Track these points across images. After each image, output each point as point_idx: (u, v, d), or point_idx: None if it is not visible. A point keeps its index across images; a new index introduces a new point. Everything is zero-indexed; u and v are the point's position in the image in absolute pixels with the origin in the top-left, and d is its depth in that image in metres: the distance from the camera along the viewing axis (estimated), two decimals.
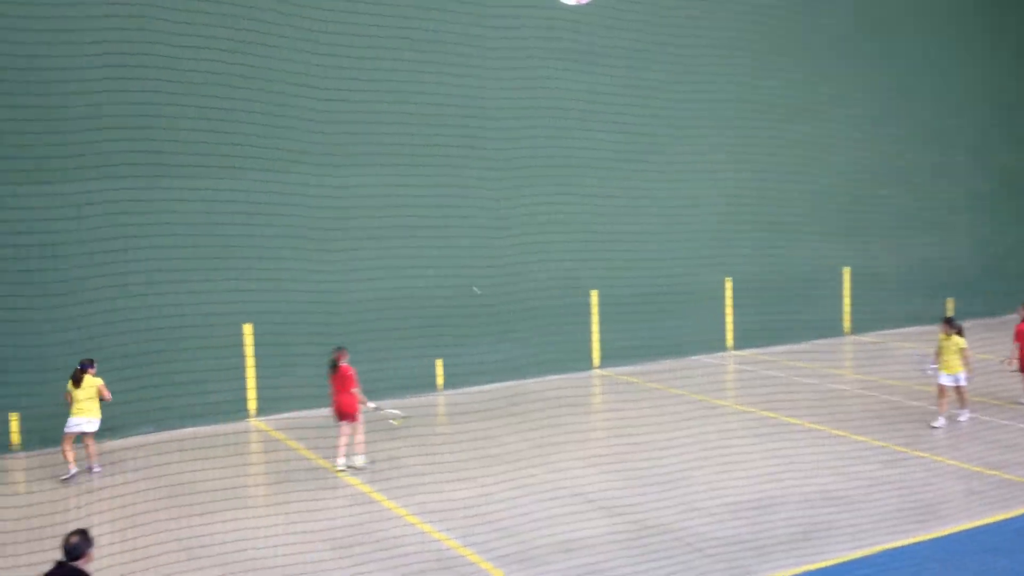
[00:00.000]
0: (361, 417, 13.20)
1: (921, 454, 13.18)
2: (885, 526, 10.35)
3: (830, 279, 23.47)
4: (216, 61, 14.21)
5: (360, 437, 13.23)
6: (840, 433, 14.39)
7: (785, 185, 22.17)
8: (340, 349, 13.28)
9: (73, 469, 12.79)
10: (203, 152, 14.83)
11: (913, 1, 24.46)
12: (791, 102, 21.93)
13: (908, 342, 22.72)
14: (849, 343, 23.23)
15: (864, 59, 23.41)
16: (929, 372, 15.26)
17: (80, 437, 13.05)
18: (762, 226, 21.86)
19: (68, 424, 12.88)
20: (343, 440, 13.03)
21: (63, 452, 12.86)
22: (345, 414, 13.05)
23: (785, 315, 21.73)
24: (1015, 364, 15.72)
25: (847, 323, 23.78)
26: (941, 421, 14.67)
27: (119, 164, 13.80)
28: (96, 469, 13.05)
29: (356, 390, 13.04)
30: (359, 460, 13.17)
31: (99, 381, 13.05)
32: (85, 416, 12.92)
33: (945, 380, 14.71)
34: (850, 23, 23.06)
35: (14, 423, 14.32)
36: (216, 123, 14.50)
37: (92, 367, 13.06)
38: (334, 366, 13.09)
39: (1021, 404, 15.89)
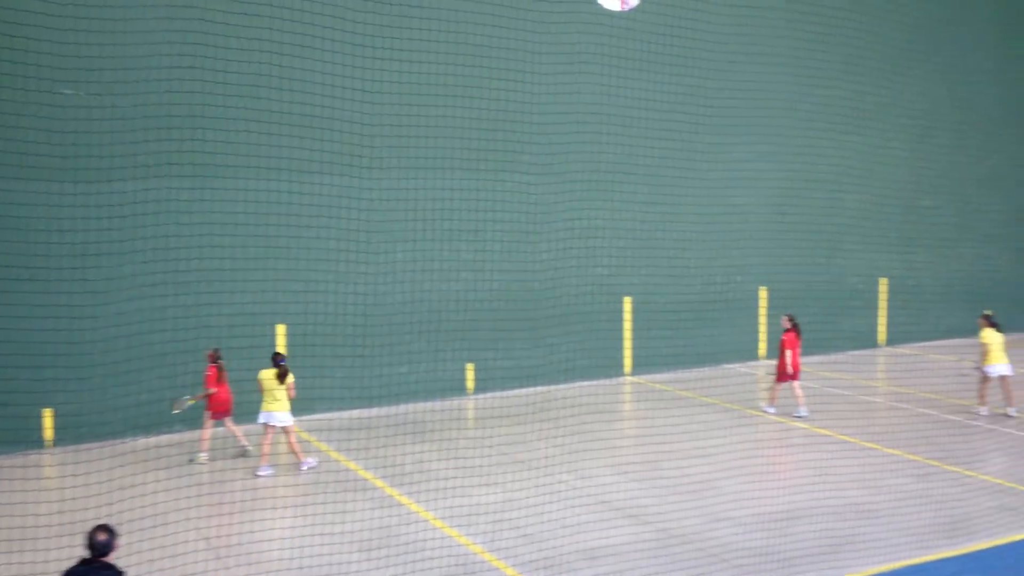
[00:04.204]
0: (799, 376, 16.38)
1: (953, 468, 12.99)
2: (914, 540, 10.22)
3: (868, 290, 23.21)
4: (262, 63, 14.40)
5: (799, 392, 16.28)
6: (871, 445, 14.22)
7: (828, 195, 22.02)
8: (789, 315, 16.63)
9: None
10: (246, 154, 15.03)
11: (966, 11, 24.09)
12: (840, 111, 21.72)
13: (945, 355, 22.36)
14: (884, 354, 22.94)
15: (916, 68, 23.15)
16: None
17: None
18: (803, 235, 21.68)
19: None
20: (798, 392, 16.30)
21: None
22: (792, 373, 16.13)
23: (821, 325, 21.53)
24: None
25: (882, 334, 23.48)
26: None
27: (163, 164, 14.04)
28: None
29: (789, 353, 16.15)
30: (803, 411, 16.14)
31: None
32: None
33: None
34: (902, 32, 22.78)
35: (48, 419, 14.59)
36: (260, 124, 14.69)
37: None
38: (790, 329, 16.31)
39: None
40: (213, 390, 13.74)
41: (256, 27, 14.28)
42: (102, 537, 6.44)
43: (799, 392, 16.24)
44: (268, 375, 13.27)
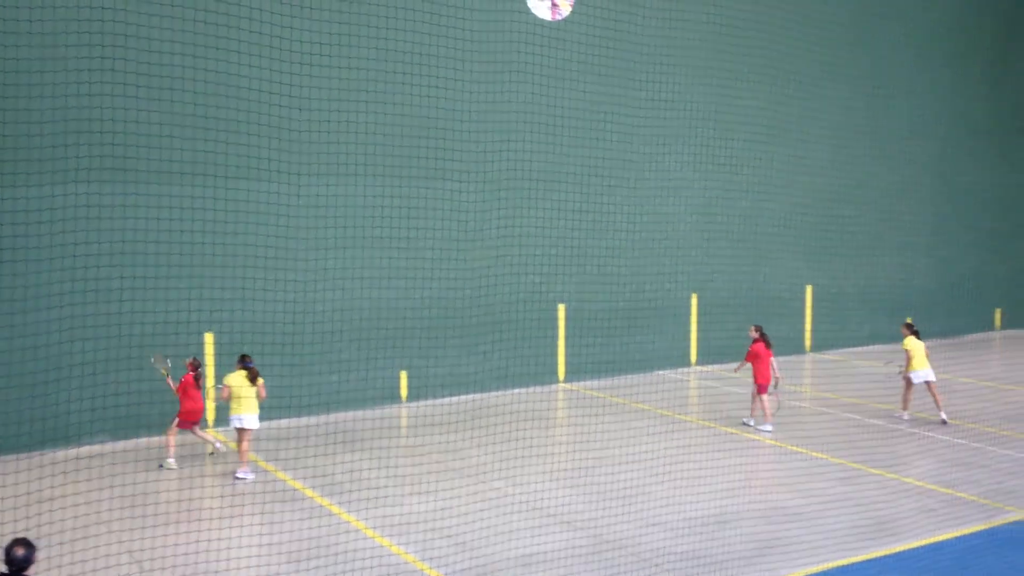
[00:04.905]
0: (768, 390, 15.79)
1: (877, 471, 13.33)
2: (839, 542, 10.45)
3: (793, 297, 23.72)
4: (185, 67, 14.11)
5: (764, 406, 15.84)
6: (798, 449, 14.52)
7: (752, 203, 22.44)
8: (756, 326, 16.23)
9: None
10: (169, 159, 14.70)
11: (881, 25, 24.86)
12: (762, 121, 22.16)
13: (868, 360, 22.97)
14: (810, 360, 23.47)
15: (835, 80, 23.77)
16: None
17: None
18: (729, 243, 22.08)
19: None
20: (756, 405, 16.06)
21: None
22: (760, 385, 15.73)
23: (747, 332, 21.93)
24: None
25: (808, 341, 24.03)
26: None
27: (81, 169, 13.65)
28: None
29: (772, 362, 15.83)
30: (752, 420, 16.05)
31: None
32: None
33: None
34: (822, 44, 23.37)
35: None
36: (184, 129, 14.39)
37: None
38: (759, 340, 15.78)
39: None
40: (177, 394, 13.63)
41: (178, 29, 13.99)
42: (20, 551, 6.23)
43: (754, 402, 16.21)
44: (239, 378, 13.07)
